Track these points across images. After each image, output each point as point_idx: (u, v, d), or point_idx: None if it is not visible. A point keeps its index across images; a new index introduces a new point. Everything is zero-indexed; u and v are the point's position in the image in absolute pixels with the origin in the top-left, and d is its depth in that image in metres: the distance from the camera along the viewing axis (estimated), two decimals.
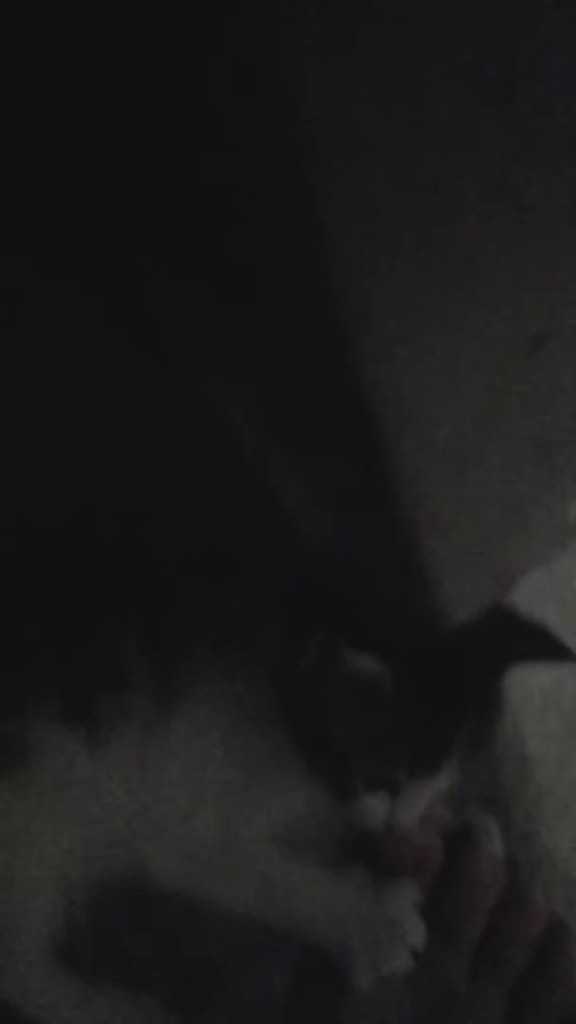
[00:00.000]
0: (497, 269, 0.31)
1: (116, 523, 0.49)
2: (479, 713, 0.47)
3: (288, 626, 0.47)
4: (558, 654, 0.45)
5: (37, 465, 0.47)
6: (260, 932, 0.47)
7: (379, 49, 0.23)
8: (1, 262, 0.37)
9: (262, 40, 0.22)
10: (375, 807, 0.46)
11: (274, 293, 0.31)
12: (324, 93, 0.23)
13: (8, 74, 0.27)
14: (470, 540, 0.45)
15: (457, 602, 0.49)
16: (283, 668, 0.46)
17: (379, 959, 0.45)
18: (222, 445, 0.40)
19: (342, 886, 0.46)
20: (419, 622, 0.50)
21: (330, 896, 0.46)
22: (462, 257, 0.30)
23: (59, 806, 0.47)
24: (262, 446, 0.41)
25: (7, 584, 0.49)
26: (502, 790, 0.53)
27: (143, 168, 0.29)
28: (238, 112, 0.24)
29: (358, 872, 0.47)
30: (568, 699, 0.54)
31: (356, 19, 0.22)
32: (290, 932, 0.46)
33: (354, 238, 0.27)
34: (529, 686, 0.54)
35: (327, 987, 0.46)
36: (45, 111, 0.28)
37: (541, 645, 0.46)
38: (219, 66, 0.23)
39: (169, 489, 0.48)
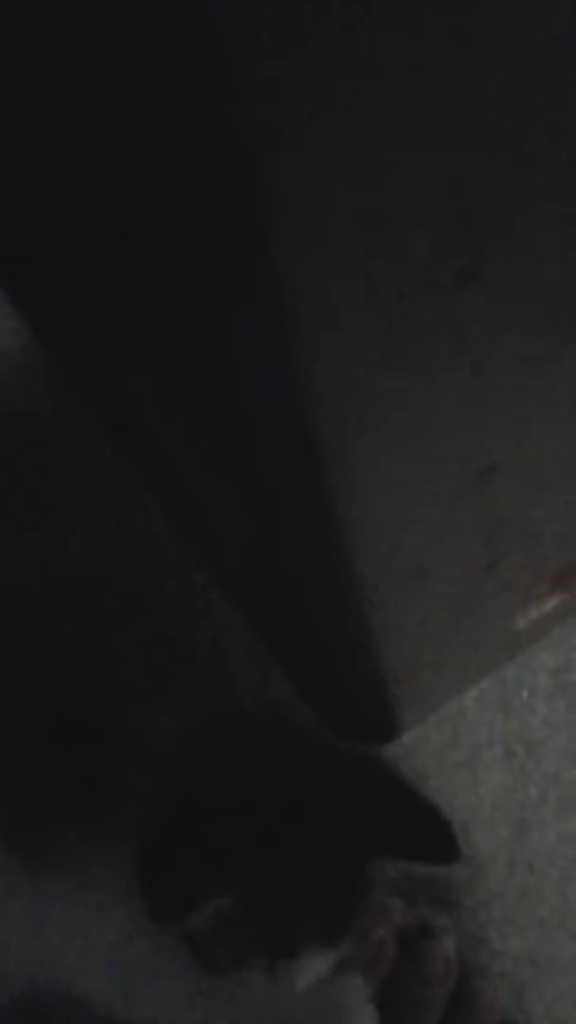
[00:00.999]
0: (454, 416, 0.34)
1: None
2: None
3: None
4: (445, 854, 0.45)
5: None
6: None
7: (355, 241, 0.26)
8: None
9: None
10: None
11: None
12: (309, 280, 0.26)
13: None
14: (421, 646, 0.48)
15: (409, 705, 0.52)
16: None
17: None
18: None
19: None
20: (373, 722, 0.52)
21: (280, 992, 0.47)
22: (424, 407, 0.33)
23: None
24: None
25: None
26: (454, 891, 0.55)
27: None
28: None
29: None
30: (518, 800, 0.56)
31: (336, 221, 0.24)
32: None
33: (335, 394, 0.30)
34: (480, 793, 0.57)
35: None
36: None
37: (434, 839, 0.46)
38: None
39: None
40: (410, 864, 0.45)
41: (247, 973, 0.44)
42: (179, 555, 0.57)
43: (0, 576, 0.57)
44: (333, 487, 0.33)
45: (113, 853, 0.45)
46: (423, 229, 0.25)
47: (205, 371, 0.31)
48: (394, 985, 0.49)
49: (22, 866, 0.44)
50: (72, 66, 0.21)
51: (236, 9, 0.17)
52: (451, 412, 0.34)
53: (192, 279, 0.26)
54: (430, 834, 0.44)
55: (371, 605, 0.42)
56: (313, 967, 0.44)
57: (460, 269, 0.27)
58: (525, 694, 0.57)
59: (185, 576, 0.57)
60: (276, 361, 0.27)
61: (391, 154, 0.22)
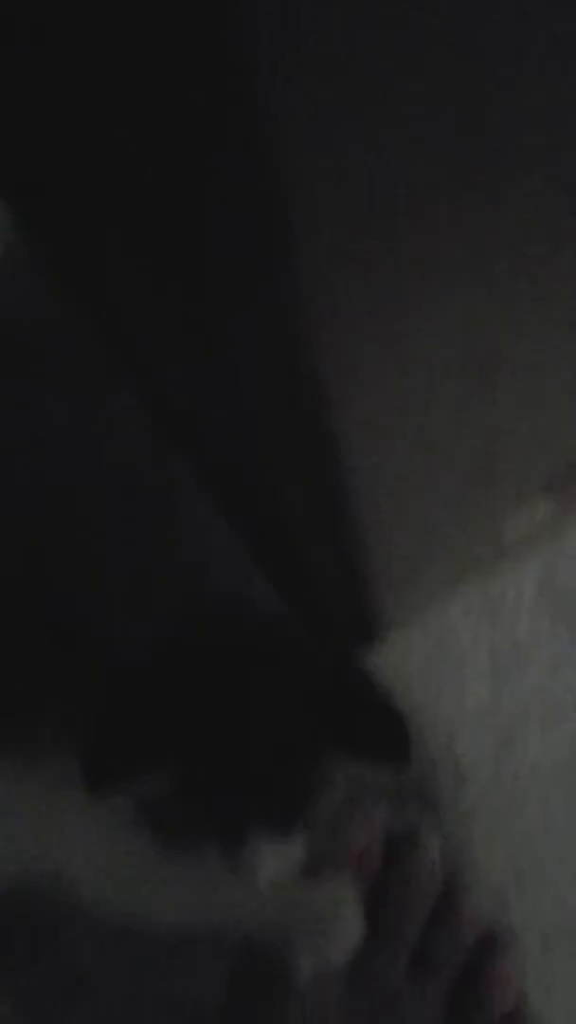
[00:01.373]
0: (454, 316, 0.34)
1: None
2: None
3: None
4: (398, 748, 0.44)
5: None
6: (193, 937, 0.47)
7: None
8: None
9: None
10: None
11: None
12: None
13: None
14: (407, 549, 0.47)
15: (392, 606, 0.51)
16: None
17: (316, 953, 0.45)
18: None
19: (277, 887, 0.47)
20: (355, 625, 0.51)
21: (265, 897, 0.47)
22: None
23: None
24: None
25: None
26: (439, 797, 0.54)
27: None
28: None
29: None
30: (503, 712, 0.56)
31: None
32: (225, 936, 0.46)
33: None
34: (465, 705, 0.56)
35: (265, 986, 0.46)
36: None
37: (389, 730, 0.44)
38: None
39: None
40: (361, 763, 0.44)
41: (207, 857, 0.43)
42: (161, 457, 0.56)
43: None
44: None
45: None
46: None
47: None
48: (378, 891, 0.48)
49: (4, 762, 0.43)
50: None
51: None
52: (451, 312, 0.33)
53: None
54: (385, 735, 0.43)
55: (360, 501, 0.41)
56: (271, 858, 0.43)
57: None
58: (511, 606, 0.56)
59: (168, 479, 0.56)
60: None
61: None
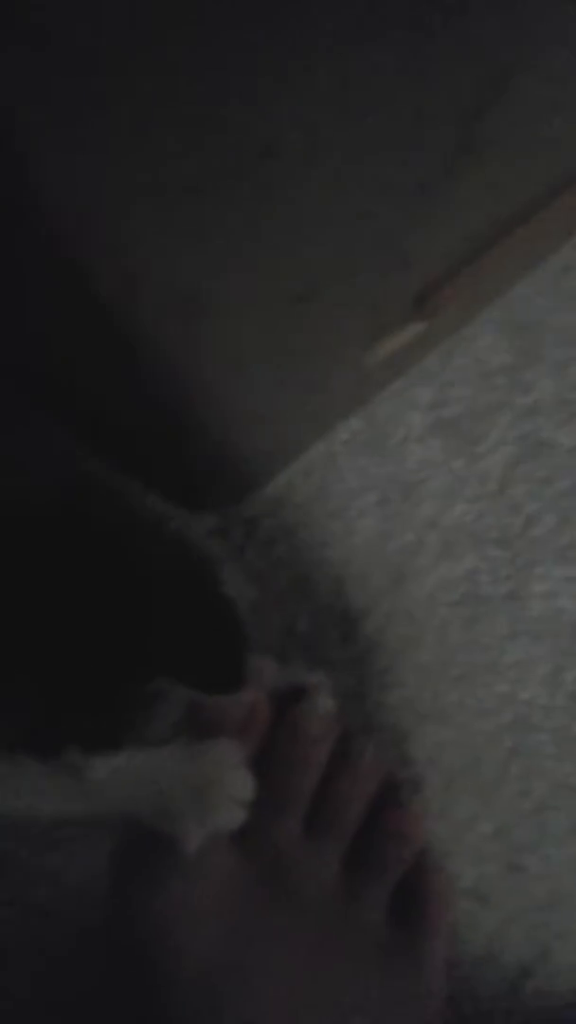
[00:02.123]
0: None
1: None
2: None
3: None
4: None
5: None
6: (74, 815, 0.44)
7: None
8: None
9: None
10: None
11: None
12: None
13: None
14: (263, 391, 0.42)
15: (259, 460, 0.46)
16: None
17: (205, 817, 0.43)
18: None
19: (157, 754, 0.44)
20: (222, 484, 0.47)
21: (145, 766, 0.44)
22: None
23: None
24: None
25: None
26: (328, 647, 0.51)
27: None
28: None
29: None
30: (395, 547, 0.52)
31: None
32: (108, 811, 0.44)
33: None
34: (353, 544, 0.53)
35: (154, 855, 0.43)
36: None
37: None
38: None
39: None
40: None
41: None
42: None
43: None
44: None
45: None
46: None
47: None
48: (269, 748, 0.45)
49: None
50: None
51: None
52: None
53: None
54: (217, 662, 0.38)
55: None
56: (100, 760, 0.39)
57: None
58: (399, 434, 0.52)
59: None
60: None
61: None
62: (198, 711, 0.44)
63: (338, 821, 0.46)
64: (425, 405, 0.53)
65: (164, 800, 0.43)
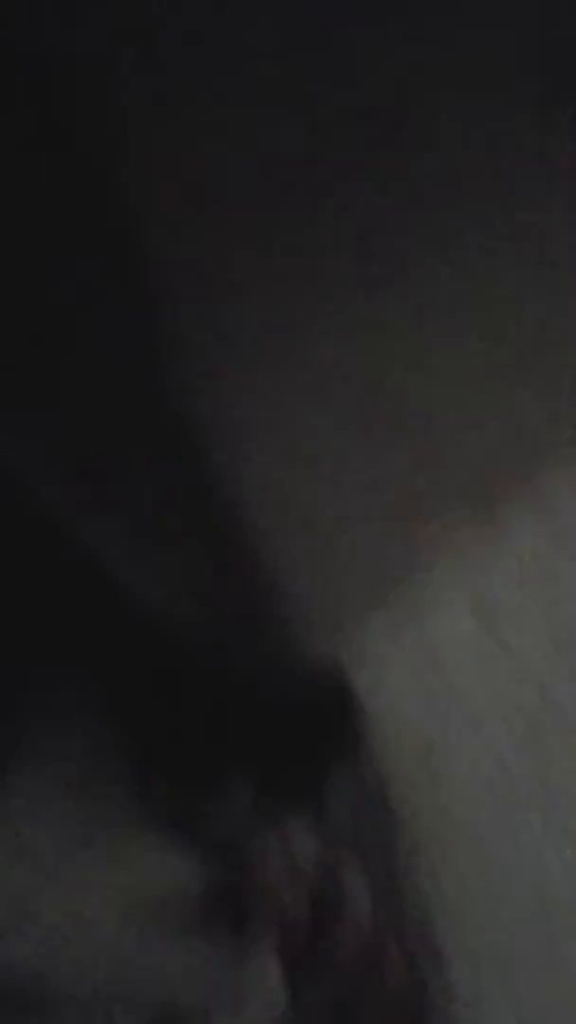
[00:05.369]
0: None
1: None
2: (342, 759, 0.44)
3: None
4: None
5: None
6: (114, 1003, 0.44)
7: None
8: None
9: None
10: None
11: None
12: None
13: None
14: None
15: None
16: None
17: (240, 1019, 0.42)
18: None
19: (199, 950, 0.44)
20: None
21: (187, 961, 0.44)
22: None
23: None
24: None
25: None
26: (376, 837, 0.50)
27: None
28: None
29: (218, 933, 0.44)
30: (438, 747, 0.52)
31: None
32: (147, 1000, 0.43)
33: None
34: (400, 737, 0.52)
35: None
36: None
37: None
38: None
39: None
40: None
41: None
42: None
43: None
44: None
45: None
46: None
47: None
48: (304, 950, 0.45)
49: None
50: None
51: None
52: None
53: None
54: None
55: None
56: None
57: None
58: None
59: None
60: None
61: None
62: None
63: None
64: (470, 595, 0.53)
65: (202, 998, 0.43)
